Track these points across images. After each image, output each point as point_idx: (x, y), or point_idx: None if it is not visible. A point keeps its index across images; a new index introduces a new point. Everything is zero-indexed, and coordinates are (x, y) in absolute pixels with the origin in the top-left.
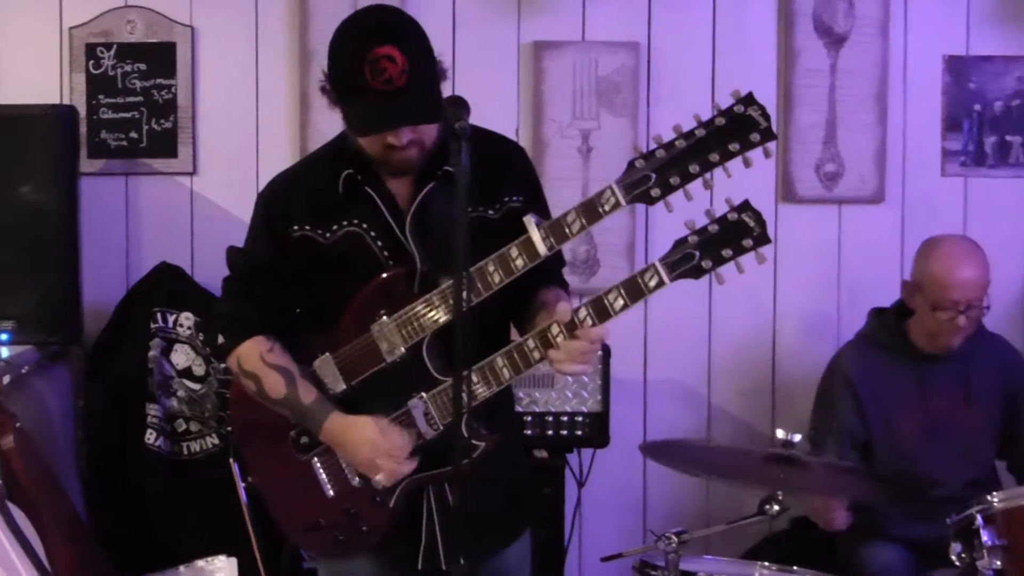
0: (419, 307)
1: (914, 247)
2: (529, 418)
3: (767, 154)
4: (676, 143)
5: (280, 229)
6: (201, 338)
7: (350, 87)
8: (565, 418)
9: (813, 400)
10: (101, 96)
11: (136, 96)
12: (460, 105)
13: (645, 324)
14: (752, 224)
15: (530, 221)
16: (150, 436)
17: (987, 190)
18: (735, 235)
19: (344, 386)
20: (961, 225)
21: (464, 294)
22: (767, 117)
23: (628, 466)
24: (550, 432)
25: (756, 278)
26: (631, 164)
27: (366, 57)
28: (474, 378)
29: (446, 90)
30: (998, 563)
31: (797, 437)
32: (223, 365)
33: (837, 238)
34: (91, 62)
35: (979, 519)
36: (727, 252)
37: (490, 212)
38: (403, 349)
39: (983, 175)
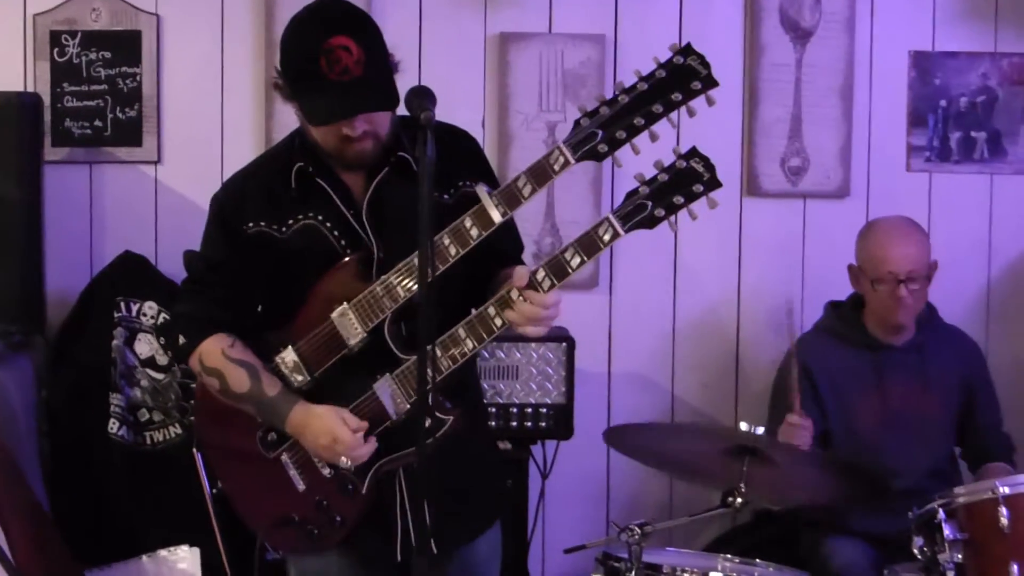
0: (377, 289)
1: (857, 243)
2: (493, 410)
3: (710, 102)
4: (619, 98)
5: (235, 228)
6: (162, 341)
7: (306, 79)
8: (529, 410)
9: (771, 392)
10: (65, 84)
11: (101, 85)
12: (425, 95)
13: (609, 316)
14: (701, 170)
15: (482, 190)
16: (113, 426)
17: (951, 186)
18: (685, 182)
19: (307, 377)
20: (925, 220)
21: (425, 280)
22: (707, 65)
23: (592, 458)
24: (514, 424)
25: (720, 271)
26: (577, 123)
27: (322, 48)
28: (437, 352)
29: (412, 81)
30: (959, 557)
31: (760, 429)
32: (184, 366)
33: (801, 232)
34: (55, 50)
35: (941, 513)
36: (679, 199)
37: (445, 197)
38: (364, 333)
39: (947, 171)
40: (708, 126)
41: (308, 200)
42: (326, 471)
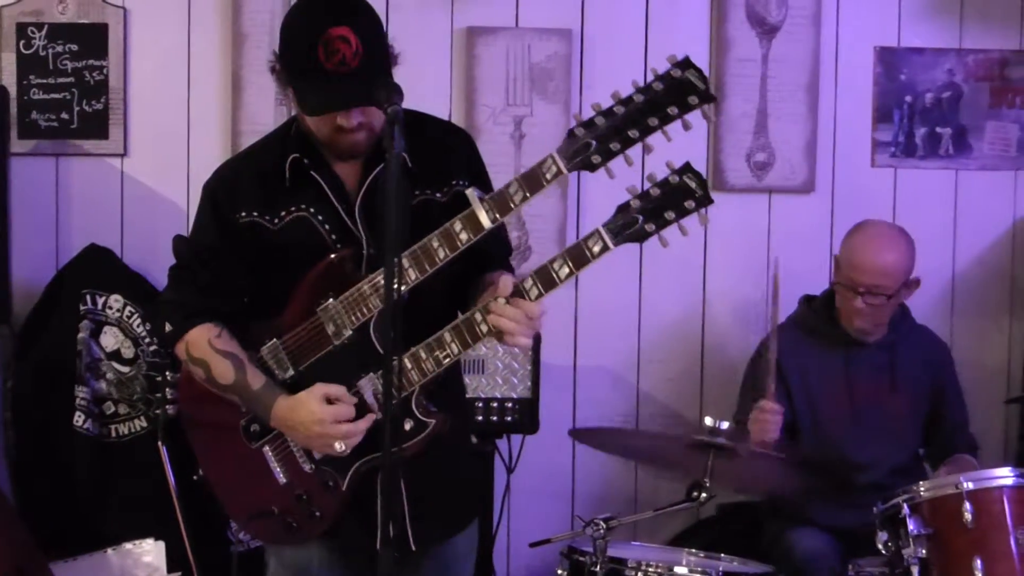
0: (365, 288)
1: (843, 237)
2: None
3: (706, 117)
4: (615, 109)
5: (227, 216)
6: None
7: (303, 67)
8: (495, 404)
9: (741, 383)
10: (32, 76)
11: (67, 77)
12: (393, 89)
13: (575, 310)
14: (693, 186)
15: (473, 194)
16: (78, 418)
17: (917, 181)
18: (677, 197)
19: (292, 371)
20: (890, 216)
21: (396, 279)
22: (704, 80)
23: (557, 452)
24: (480, 418)
25: (686, 266)
26: (571, 132)
27: (320, 38)
28: (422, 354)
29: None
30: (923, 552)
31: (725, 424)
32: (169, 350)
33: (767, 227)
34: (22, 42)
35: (905, 508)
36: (670, 215)
37: (438, 195)
38: (350, 331)
39: (913, 166)
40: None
41: (302, 192)
42: (307, 466)
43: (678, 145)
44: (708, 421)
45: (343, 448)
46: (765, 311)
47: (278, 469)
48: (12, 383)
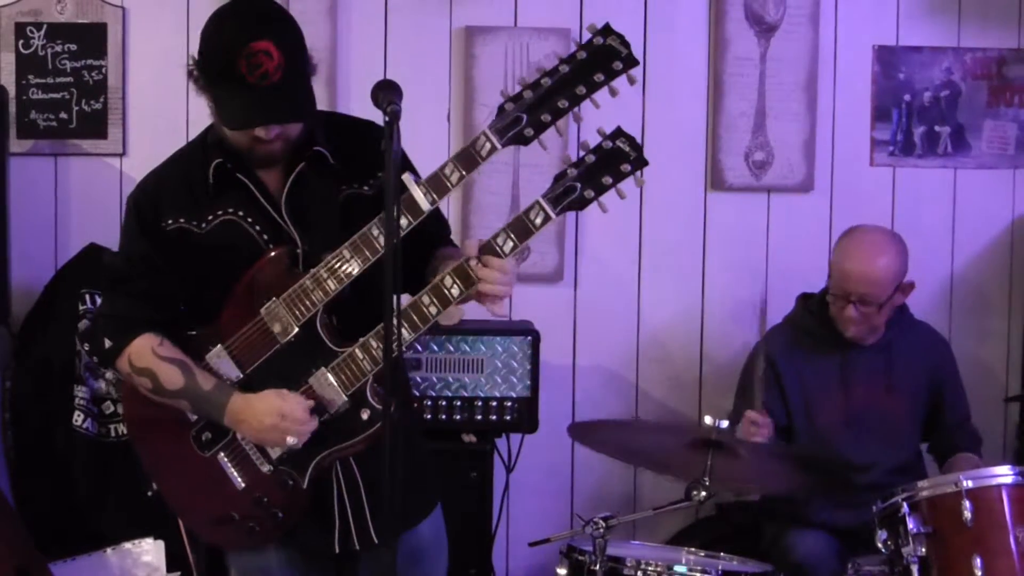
0: (307, 283)
1: (835, 244)
2: (458, 403)
3: (631, 81)
4: (542, 81)
5: (152, 225)
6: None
7: (224, 78)
8: (494, 403)
9: (737, 383)
10: (31, 76)
11: (66, 77)
12: (392, 89)
13: (574, 309)
14: (628, 149)
15: (409, 179)
16: (77, 418)
17: (915, 180)
18: (613, 162)
19: (240, 374)
20: (889, 214)
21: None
22: (627, 44)
23: (556, 451)
24: (479, 417)
25: (684, 265)
26: (501, 108)
27: (242, 51)
28: (372, 343)
29: (378, 74)
30: (923, 550)
31: (724, 423)
32: (110, 371)
33: (766, 226)
34: (21, 42)
35: (904, 506)
36: (607, 180)
37: (364, 188)
38: (296, 327)
39: (911, 165)
40: (672, 120)
41: (226, 196)
42: (265, 468)
43: (677, 143)
44: (707, 420)
45: (295, 441)
46: (764, 312)
47: (235, 474)
48: (11, 383)
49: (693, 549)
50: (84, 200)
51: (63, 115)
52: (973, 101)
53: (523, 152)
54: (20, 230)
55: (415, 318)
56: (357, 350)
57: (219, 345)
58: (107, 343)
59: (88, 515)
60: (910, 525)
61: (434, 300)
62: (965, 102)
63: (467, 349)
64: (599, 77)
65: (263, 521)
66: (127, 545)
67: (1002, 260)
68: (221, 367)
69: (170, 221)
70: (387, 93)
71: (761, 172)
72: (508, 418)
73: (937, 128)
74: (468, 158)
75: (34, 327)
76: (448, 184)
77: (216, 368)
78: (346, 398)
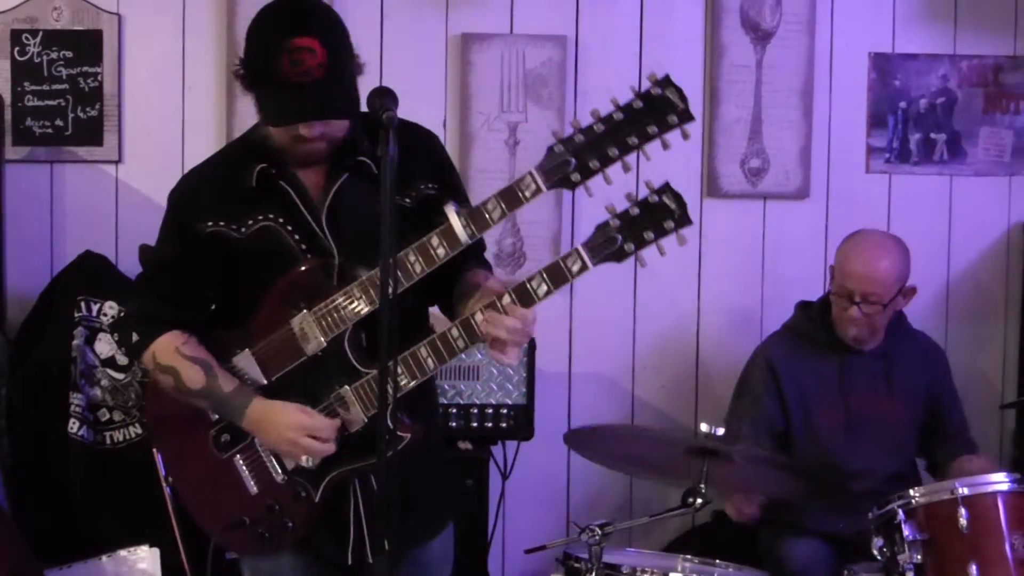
0: (339, 299)
1: (838, 243)
2: (454, 410)
3: (685, 136)
4: (595, 127)
5: (190, 226)
6: (116, 338)
7: (267, 76)
8: (490, 410)
9: (734, 388)
10: (26, 83)
11: (62, 84)
12: (387, 95)
13: (570, 317)
14: (673, 206)
15: (450, 209)
16: (73, 425)
17: (911, 187)
18: (656, 217)
19: (264, 381)
20: (885, 221)
21: (389, 284)
22: (684, 99)
23: (552, 458)
24: (475, 424)
25: (680, 272)
26: (550, 149)
27: (285, 47)
28: (397, 369)
29: (374, 81)
30: (919, 557)
31: (720, 430)
32: (139, 364)
33: (761, 233)
34: (16, 49)
35: (900, 513)
36: (649, 235)
37: (406, 201)
38: (324, 342)
39: (907, 172)
40: None
41: (267, 201)
42: (279, 477)
43: (672, 150)
44: (703, 427)
45: (309, 462)
46: (760, 319)
47: (249, 479)
48: (7, 390)
49: (689, 556)
50: (80, 207)
51: (59, 122)
52: (969, 108)
53: (519, 158)
54: (16, 237)
55: (442, 349)
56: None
57: (247, 349)
58: (134, 337)
59: (83, 522)
60: (906, 532)
61: (462, 334)
62: (961, 109)
63: (463, 356)
64: (652, 129)
65: (273, 528)
66: (122, 552)
67: (998, 267)
68: (247, 371)
69: (209, 223)
70: (383, 99)
71: (757, 179)
72: (504, 425)
73: (933, 135)
74: (512, 196)
75: (30, 334)
76: (490, 220)
77: (242, 371)
78: (366, 419)
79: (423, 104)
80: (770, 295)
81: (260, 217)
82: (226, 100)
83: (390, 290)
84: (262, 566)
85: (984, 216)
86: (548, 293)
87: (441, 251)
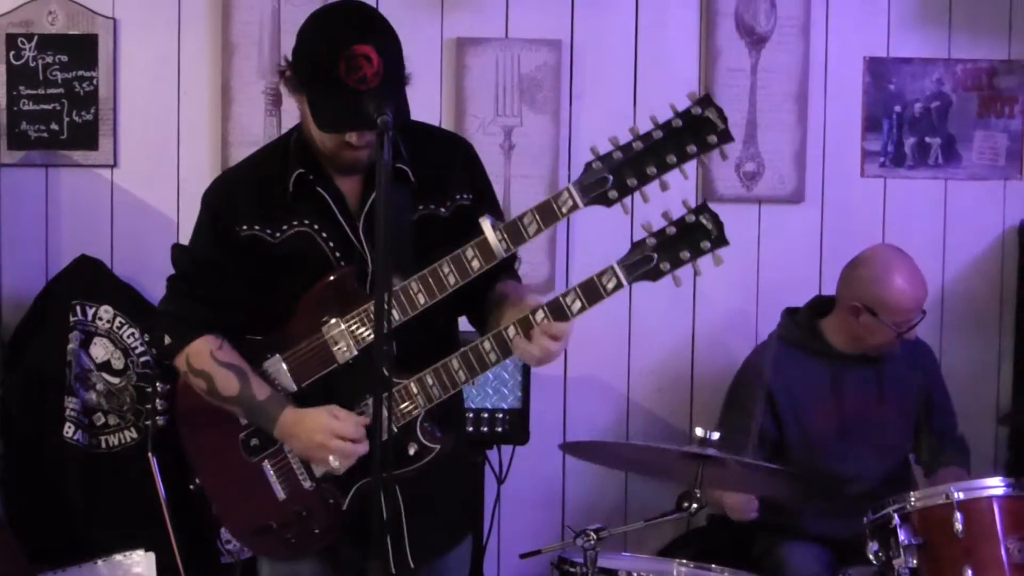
0: (371, 308)
1: (833, 247)
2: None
3: (723, 156)
4: (633, 145)
5: (227, 229)
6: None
7: (321, 78)
8: (485, 415)
9: (724, 398)
10: (21, 87)
11: (57, 88)
12: (388, 102)
13: None
14: (710, 226)
15: (486, 223)
16: (68, 429)
17: (906, 191)
18: (693, 237)
19: (295, 388)
20: (880, 225)
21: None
22: (724, 119)
23: (547, 463)
24: (470, 428)
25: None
26: (588, 166)
27: (344, 52)
28: (428, 380)
29: None
30: (914, 562)
31: (715, 435)
32: (168, 362)
33: (756, 237)
34: (11, 53)
35: (896, 518)
36: (685, 254)
37: (441, 210)
38: (355, 351)
39: (902, 176)
40: None
41: (303, 207)
42: (307, 483)
43: None
44: (698, 431)
45: (337, 464)
46: (755, 323)
47: (278, 485)
48: (1, 394)
49: (684, 561)
50: (75, 211)
51: (54, 126)
52: (964, 112)
53: (514, 162)
54: (11, 241)
55: (474, 362)
56: (413, 384)
57: (277, 355)
58: (167, 339)
59: (78, 526)
60: (901, 537)
61: (495, 347)
62: (956, 113)
63: None
64: (691, 148)
65: (300, 535)
66: (117, 557)
67: (993, 271)
68: (277, 377)
69: (244, 227)
70: (380, 103)
71: (752, 183)
72: (499, 430)
73: (928, 139)
74: (548, 212)
75: (25, 338)
76: (525, 235)
77: (272, 377)
78: (395, 430)
79: (418, 108)
80: (765, 299)
81: (296, 223)
82: (221, 104)
83: (423, 300)
84: (280, 568)
85: (979, 220)
86: (582, 310)
87: (476, 263)
